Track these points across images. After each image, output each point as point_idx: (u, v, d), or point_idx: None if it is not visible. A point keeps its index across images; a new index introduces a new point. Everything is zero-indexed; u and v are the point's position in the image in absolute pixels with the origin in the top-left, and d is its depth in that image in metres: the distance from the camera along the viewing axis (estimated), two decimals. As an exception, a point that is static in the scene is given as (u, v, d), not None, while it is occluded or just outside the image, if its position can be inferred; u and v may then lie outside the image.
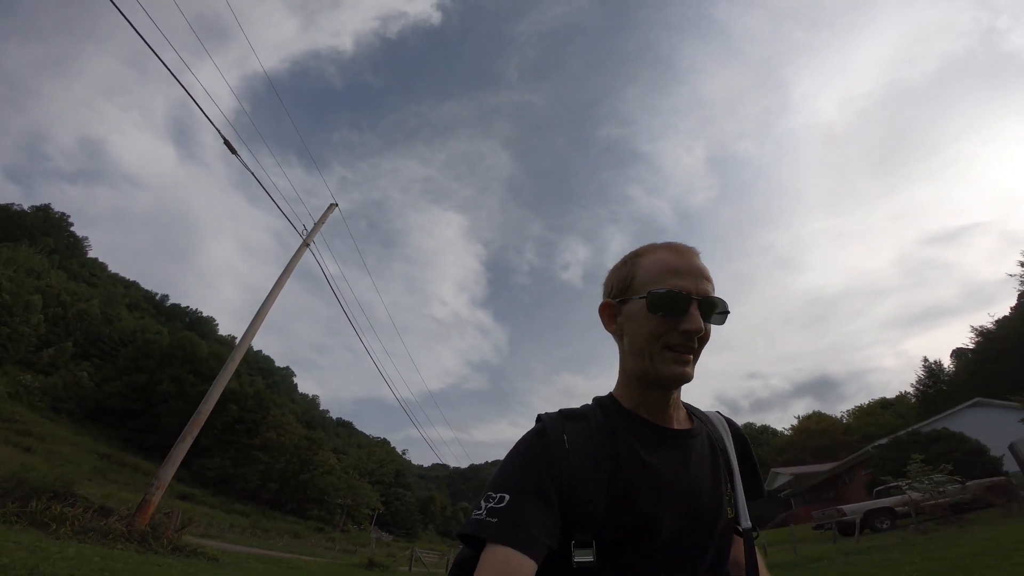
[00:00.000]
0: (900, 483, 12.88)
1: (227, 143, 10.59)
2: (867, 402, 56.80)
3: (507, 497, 0.73)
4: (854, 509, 13.31)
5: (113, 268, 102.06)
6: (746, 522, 0.88)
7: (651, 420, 0.88)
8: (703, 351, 0.87)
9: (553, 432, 0.83)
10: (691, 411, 0.99)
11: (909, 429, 20.65)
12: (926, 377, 44.80)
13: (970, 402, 22.98)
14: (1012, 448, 16.11)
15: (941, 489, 11.59)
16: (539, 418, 0.89)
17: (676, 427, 0.90)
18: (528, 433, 0.86)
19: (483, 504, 0.74)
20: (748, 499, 0.93)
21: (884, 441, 20.73)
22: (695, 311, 0.82)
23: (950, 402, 28.67)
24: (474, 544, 0.73)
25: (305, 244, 13.46)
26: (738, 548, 0.94)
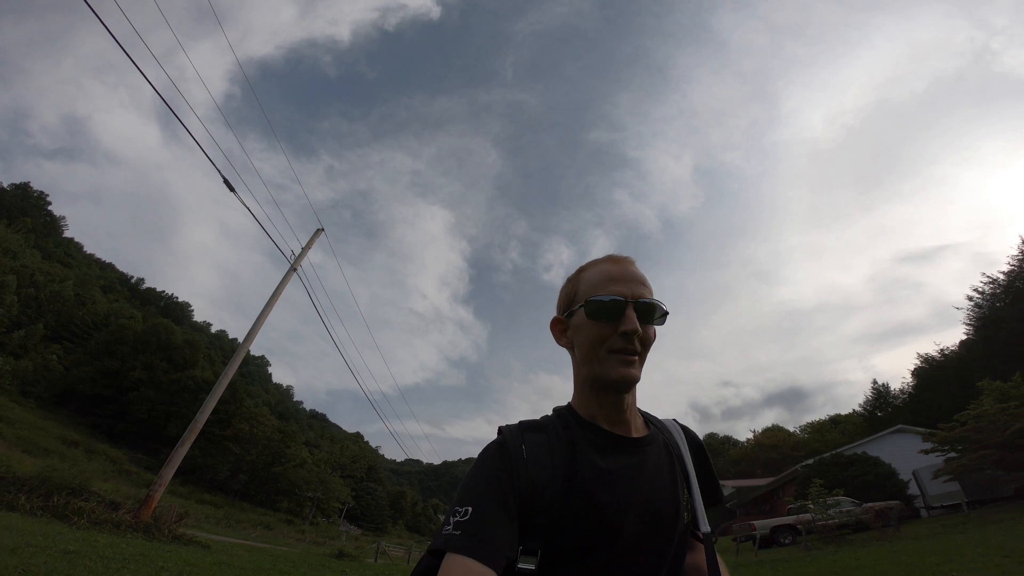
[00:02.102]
0: (805, 503, 14.78)
1: (226, 181, 11.63)
2: (820, 418, 59.84)
3: (470, 509, 0.75)
4: (764, 525, 15.19)
5: (89, 248, 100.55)
6: (704, 526, 0.92)
7: (608, 429, 0.90)
8: (649, 353, 0.92)
9: (512, 443, 0.86)
10: (648, 419, 1.01)
11: (834, 451, 22.74)
12: (873, 398, 47.76)
13: (893, 428, 25.15)
14: (915, 475, 18.41)
15: (830, 511, 13.47)
16: (500, 430, 0.92)
17: (634, 435, 0.92)
18: (489, 445, 0.89)
19: (450, 519, 0.76)
20: (706, 505, 0.95)
21: (810, 461, 22.73)
22: (631, 313, 0.87)
23: (891, 424, 30.33)
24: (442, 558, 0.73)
25: (292, 269, 14.56)
26: (697, 553, 0.96)
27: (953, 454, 15.86)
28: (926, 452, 16.85)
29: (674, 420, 1.07)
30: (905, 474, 18.95)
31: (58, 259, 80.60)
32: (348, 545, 25.19)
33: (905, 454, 20.77)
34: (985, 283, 32.73)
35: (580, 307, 0.93)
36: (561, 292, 1.04)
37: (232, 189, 11.80)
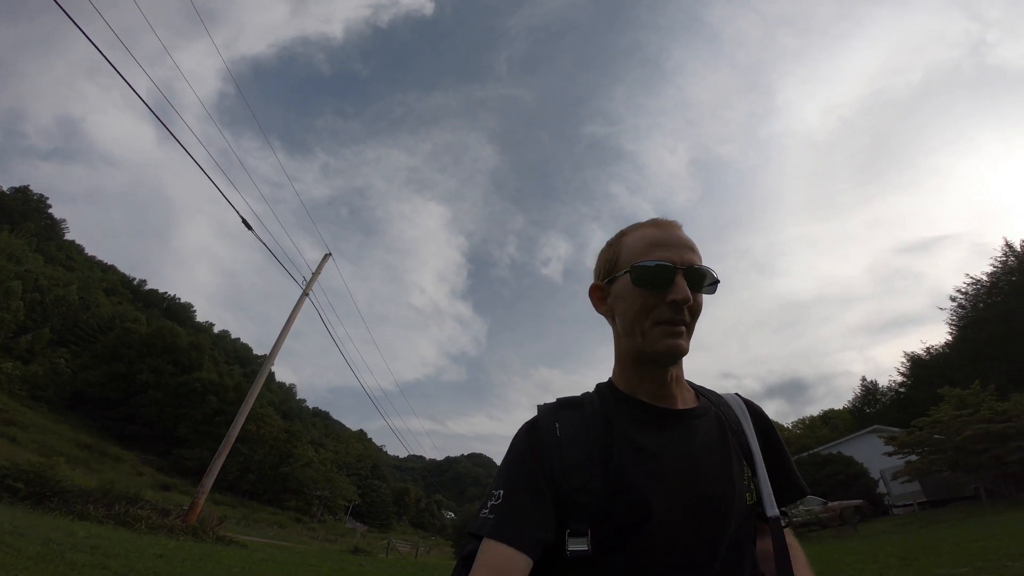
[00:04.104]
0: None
1: (244, 221, 12.67)
2: (813, 414, 61.30)
3: (502, 492, 0.75)
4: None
5: (90, 250, 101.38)
6: (772, 509, 0.83)
7: (650, 402, 0.85)
8: (697, 324, 0.85)
9: (545, 423, 0.84)
10: (699, 391, 0.95)
11: (811, 451, 24.14)
12: (862, 395, 49.11)
13: (870, 428, 26.25)
14: (882, 474, 19.92)
15: (794, 509, 14.79)
16: (538, 408, 0.89)
17: (680, 407, 0.86)
18: (523, 426, 0.86)
19: (487, 503, 0.76)
20: (779, 491, 0.87)
21: None
22: (681, 280, 0.81)
23: (880, 421, 30.80)
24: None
25: (305, 294, 15.63)
26: (766, 539, 0.88)
27: (914, 457, 17.32)
28: (888, 455, 18.32)
29: (736, 394, 1.00)
30: (877, 473, 20.40)
31: (60, 262, 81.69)
32: (361, 542, 26.78)
33: (880, 454, 22.02)
34: (968, 284, 33.26)
35: (624, 273, 0.87)
36: (600, 257, 0.97)
37: (249, 227, 12.84)
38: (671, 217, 0.94)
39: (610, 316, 0.93)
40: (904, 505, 18.65)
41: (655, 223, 0.92)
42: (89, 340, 67.04)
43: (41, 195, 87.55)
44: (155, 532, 10.23)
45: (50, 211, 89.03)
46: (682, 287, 0.80)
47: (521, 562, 0.68)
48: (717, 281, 0.86)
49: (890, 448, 18.27)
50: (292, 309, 15.70)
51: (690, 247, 0.87)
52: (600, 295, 0.95)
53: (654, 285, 0.82)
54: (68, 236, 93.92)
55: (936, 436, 16.54)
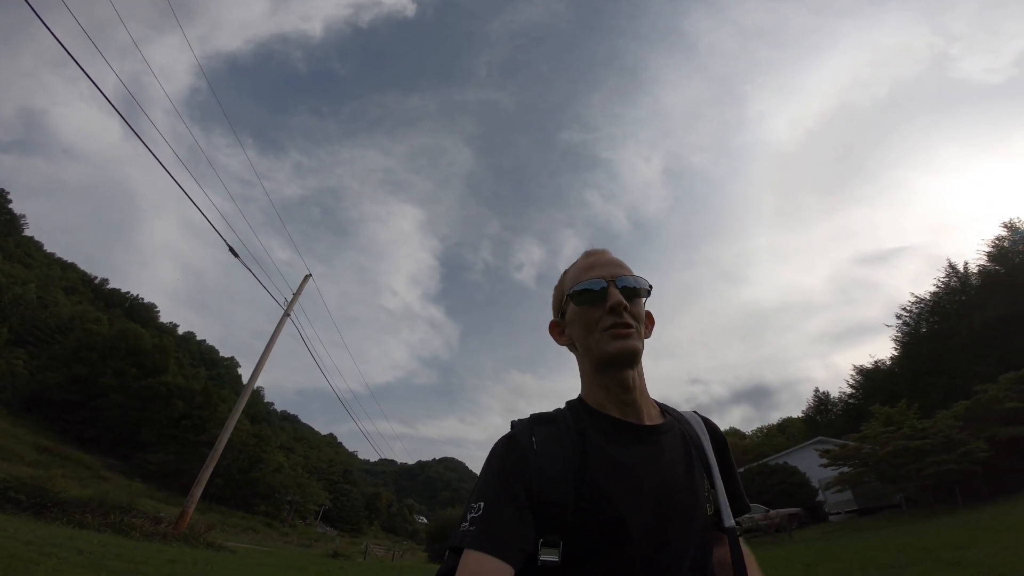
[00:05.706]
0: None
1: (231, 249, 13.35)
2: (770, 423, 64.18)
3: (483, 505, 0.77)
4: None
5: (49, 247, 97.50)
6: (729, 520, 0.90)
7: (619, 416, 0.90)
8: (646, 327, 0.97)
9: (522, 436, 0.87)
10: (664, 409, 1.00)
11: (760, 461, 25.94)
12: (815, 405, 51.88)
13: (814, 440, 27.57)
14: (820, 484, 21.82)
15: None
16: (512, 424, 0.92)
17: (647, 422, 0.91)
18: (499, 440, 0.89)
19: (467, 515, 0.77)
20: (732, 511, 0.92)
21: (742, 470, 25.59)
22: (613, 290, 0.91)
23: (829, 431, 32.24)
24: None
25: (286, 314, 16.35)
26: (724, 548, 0.93)
27: (846, 468, 19.17)
28: (824, 466, 20.16)
29: (694, 412, 1.06)
30: (818, 483, 22.23)
31: (19, 259, 78.61)
32: (333, 547, 27.36)
33: (820, 463, 23.72)
34: (913, 303, 34.89)
35: (567, 300, 0.98)
36: (553, 299, 1.08)
37: (236, 255, 13.51)
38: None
39: (570, 344, 1.02)
40: (837, 513, 20.45)
41: (586, 254, 1.05)
42: (48, 341, 64.86)
43: (2, 189, 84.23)
44: (150, 539, 10.92)
45: (10, 206, 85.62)
46: (615, 294, 0.91)
47: (504, 572, 0.70)
48: (649, 287, 0.98)
49: (826, 460, 20.08)
50: (274, 330, 16.29)
51: (618, 264, 0.99)
52: (558, 329, 1.05)
53: (592, 300, 0.93)
54: (27, 232, 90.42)
55: (865, 449, 18.38)
